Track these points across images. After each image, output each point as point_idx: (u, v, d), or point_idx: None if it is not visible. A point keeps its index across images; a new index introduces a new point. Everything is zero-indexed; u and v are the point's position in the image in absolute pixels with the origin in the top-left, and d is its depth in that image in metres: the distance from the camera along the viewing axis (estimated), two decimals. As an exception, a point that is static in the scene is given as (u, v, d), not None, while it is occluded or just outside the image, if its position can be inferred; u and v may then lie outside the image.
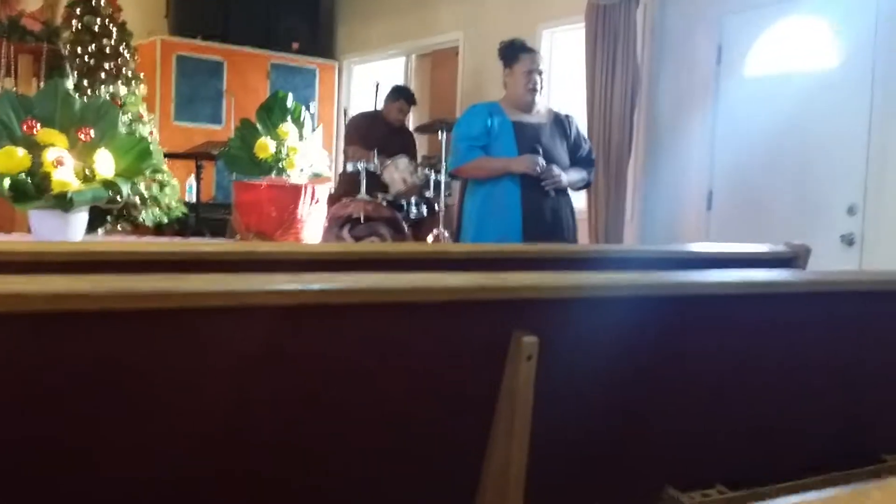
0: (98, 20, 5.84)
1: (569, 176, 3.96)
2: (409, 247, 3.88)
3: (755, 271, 1.96)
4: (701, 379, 1.66)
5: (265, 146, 4.53)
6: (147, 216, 5.71)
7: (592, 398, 1.53)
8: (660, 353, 1.60)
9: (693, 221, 5.31)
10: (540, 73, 3.97)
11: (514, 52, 4.01)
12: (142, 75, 6.17)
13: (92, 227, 5.43)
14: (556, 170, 3.86)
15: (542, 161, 3.82)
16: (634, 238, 5.53)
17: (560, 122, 4.09)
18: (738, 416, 1.73)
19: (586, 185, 4.22)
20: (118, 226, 5.61)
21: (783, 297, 1.77)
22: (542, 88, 4.00)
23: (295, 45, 8.21)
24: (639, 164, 5.56)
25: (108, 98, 5.46)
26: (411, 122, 6.79)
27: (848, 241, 4.43)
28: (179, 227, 6.17)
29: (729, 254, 2.80)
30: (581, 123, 4.48)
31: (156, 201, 5.82)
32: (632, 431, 1.62)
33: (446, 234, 5.55)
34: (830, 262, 4.26)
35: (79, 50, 5.77)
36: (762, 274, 1.91)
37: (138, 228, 5.87)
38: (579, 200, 4.91)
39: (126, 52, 5.97)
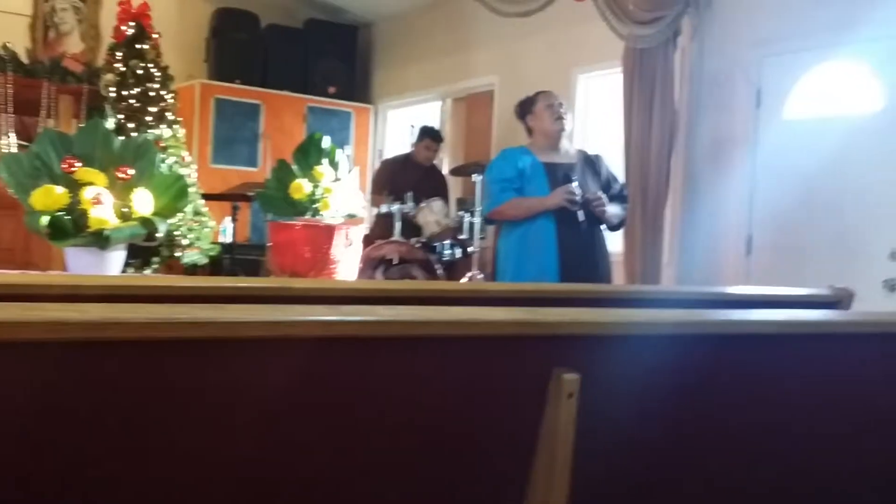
0: (142, 64, 5.96)
1: (610, 208, 3.93)
2: (446, 285, 3.86)
3: (801, 311, 1.91)
4: (742, 419, 1.61)
5: (300, 187, 4.57)
6: (189, 257, 5.79)
7: (633, 436, 1.48)
8: (701, 392, 1.55)
9: (732, 265, 5.23)
10: (561, 105, 3.99)
11: (530, 99, 4.06)
12: (180, 119, 6.27)
13: (129, 265, 5.50)
14: (599, 192, 3.85)
15: (575, 188, 3.79)
16: (672, 281, 5.46)
17: (590, 162, 4.08)
18: (779, 457, 1.67)
19: (621, 223, 4.19)
20: (152, 266, 5.66)
21: (828, 338, 1.72)
22: (566, 118, 4.00)
23: (332, 89, 8.31)
24: (676, 207, 5.51)
25: (150, 140, 5.55)
26: (446, 165, 6.81)
27: (890, 286, 4.33)
28: (213, 267, 6.20)
29: (770, 296, 2.74)
30: (617, 166, 4.45)
31: (197, 241, 5.89)
32: (672, 470, 1.56)
33: (480, 276, 5.52)
34: (873, 308, 4.14)
35: (123, 93, 5.88)
36: (808, 313, 1.86)
37: (171, 269, 5.91)
38: (615, 242, 4.86)
39: (168, 95, 6.07)
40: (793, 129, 4.95)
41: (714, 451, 1.58)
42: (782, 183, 4.95)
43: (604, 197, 3.86)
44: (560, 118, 3.96)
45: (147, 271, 5.62)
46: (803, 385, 1.68)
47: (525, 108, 4.06)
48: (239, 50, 7.95)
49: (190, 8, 8.04)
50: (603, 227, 4.01)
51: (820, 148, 4.74)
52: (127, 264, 5.37)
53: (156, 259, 5.64)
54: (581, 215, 3.79)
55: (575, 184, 3.80)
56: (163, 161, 5.67)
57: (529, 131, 4.06)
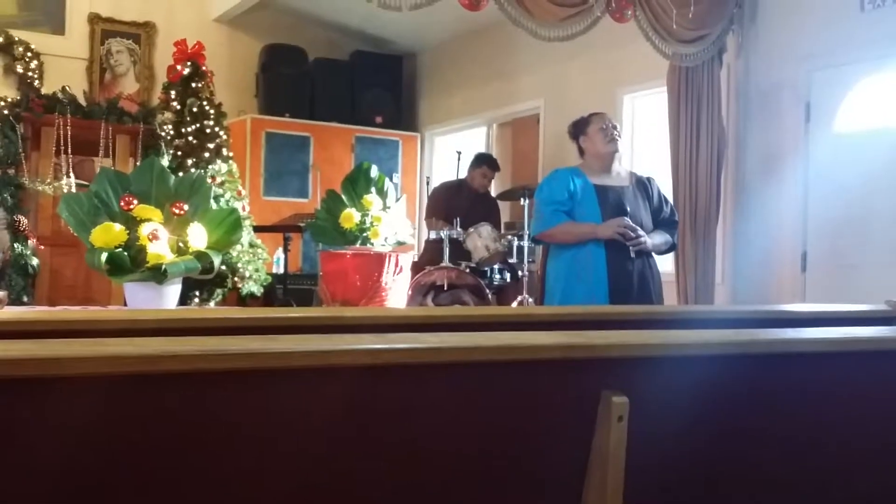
0: (198, 102, 6.13)
1: (652, 239, 3.88)
2: (493, 310, 3.86)
3: (854, 328, 1.88)
4: (795, 439, 1.59)
5: (350, 216, 4.61)
6: (247, 287, 5.93)
7: (683, 457, 1.47)
8: (752, 412, 1.53)
9: (787, 283, 5.15)
10: (615, 127, 3.96)
11: (584, 120, 4.03)
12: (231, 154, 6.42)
13: (192, 297, 5.63)
14: (640, 231, 3.80)
15: (629, 222, 3.76)
16: (726, 301, 5.39)
17: (642, 185, 4.04)
18: (834, 476, 1.64)
19: (671, 248, 4.14)
20: (215, 298, 5.80)
21: (885, 355, 1.69)
22: (620, 139, 3.98)
23: (378, 119, 8.41)
24: (728, 225, 5.45)
25: (208, 176, 5.71)
26: (493, 190, 6.84)
27: (953, 299, 4.22)
28: (267, 298, 6.31)
29: (826, 313, 2.69)
30: (666, 186, 4.42)
31: (256, 273, 6.04)
32: (723, 492, 1.54)
33: (530, 300, 5.52)
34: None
35: (182, 130, 6.06)
36: (861, 330, 1.82)
37: (226, 301, 6.03)
38: (667, 263, 4.82)
39: (222, 132, 6.22)
40: (843, 142, 4.88)
41: (766, 472, 1.56)
42: (835, 197, 4.87)
43: (646, 238, 3.81)
44: (613, 140, 3.92)
45: (212, 303, 5.75)
46: (860, 404, 1.65)
47: (578, 129, 4.03)
48: (287, 84, 8.10)
49: (239, 45, 8.23)
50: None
51: (872, 161, 4.66)
52: (190, 297, 5.52)
53: (219, 291, 5.79)
54: (633, 252, 3.78)
55: (626, 219, 3.77)
56: (221, 196, 5.82)
57: (581, 152, 4.03)
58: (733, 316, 2.73)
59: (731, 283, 5.46)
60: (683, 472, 1.48)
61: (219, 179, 6.06)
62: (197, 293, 5.71)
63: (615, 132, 3.94)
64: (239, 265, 5.98)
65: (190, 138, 6.07)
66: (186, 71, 6.21)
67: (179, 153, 6.05)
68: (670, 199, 4.34)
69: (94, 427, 1.13)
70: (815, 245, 5.02)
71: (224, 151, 6.25)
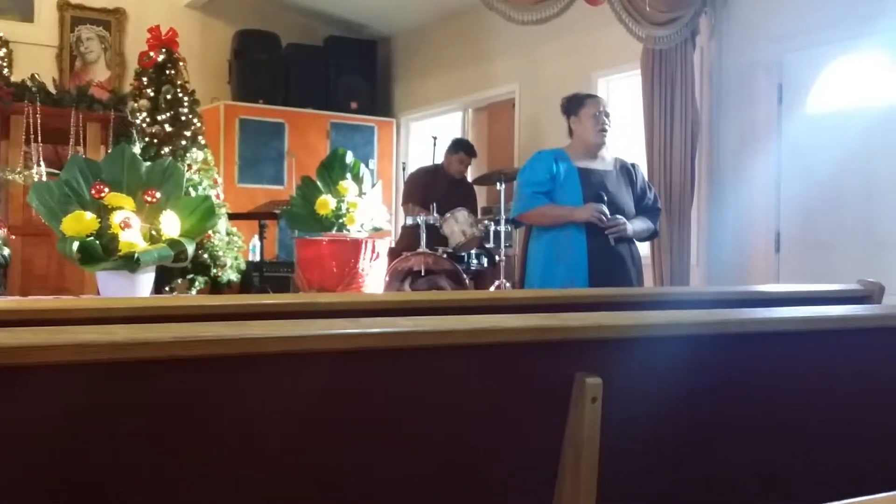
0: (172, 89, 6.06)
1: (633, 225, 3.89)
2: (469, 294, 3.86)
3: (824, 307, 1.90)
4: (768, 418, 1.60)
5: (326, 203, 4.60)
6: (226, 275, 5.90)
7: (657, 437, 1.48)
8: (726, 392, 1.54)
9: (762, 264, 5.19)
10: (607, 116, 3.94)
11: (579, 100, 3.99)
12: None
13: (158, 287, 5.59)
14: (620, 219, 3.80)
15: (605, 210, 3.77)
16: (701, 282, 5.43)
17: (626, 170, 4.03)
18: (805, 455, 1.66)
19: (652, 236, 4.14)
20: (196, 287, 5.77)
21: (856, 333, 1.70)
22: (609, 130, 3.96)
23: (353, 105, 8.37)
24: (702, 207, 5.48)
25: (185, 164, 5.67)
26: (469, 174, 6.83)
27: (924, 278, 4.27)
28: (243, 286, 6.27)
29: (798, 293, 2.71)
30: (641, 169, 4.42)
31: (236, 261, 6.01)
32: (698, 471, 1.56)
33: (507, 285, 5.53)
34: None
35: (158, 118, 5.99)
36: (831, 309, 1.84)
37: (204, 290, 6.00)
38: (643, 246, 4.84)
39: (196, 119, 6.17)
40: (816, 123, 4.91)
41: (740, 451, 1.58)
42: (808, 178, 4.91)
43: (626, 224, 3.81)
44: (603, 131, 3.90)
45: (193, 292, 5.72)
46: (831, 382, 1.67)
47: (570, 108, 3.99)
48: (261, 70, 8.04)
49: (211, 31, 8.15)
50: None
51: (845, 141, 4.70)
52: (171, 288, 5.49)
53: (201, 279, 5.75)
54: (612, 240, 3.78)
55: (604, 206, 3.77)
56: (198, 184, 5.77)
57: (571, 132, 4.02)
58: (708, 297, 2.75)
59: (706, 264, 5.50)
60: (658, 453, 1.49)
61: (195, 168, 6.01)
62: (178, 281, 5.67)
63: (606, 122, 3.91)
64: (220, 253, 5.95)
65: (166, 126, 6.02)
66: (161, 58, 6.14)
67: (155, 141, 5.99)
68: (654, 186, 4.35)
69: (65, 417, 1.11)
70: (788, 226, 5.06)
71: (200, 139, 6.20)
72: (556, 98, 4.15)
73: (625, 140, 6.10)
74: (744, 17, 5.33)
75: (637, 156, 5.18)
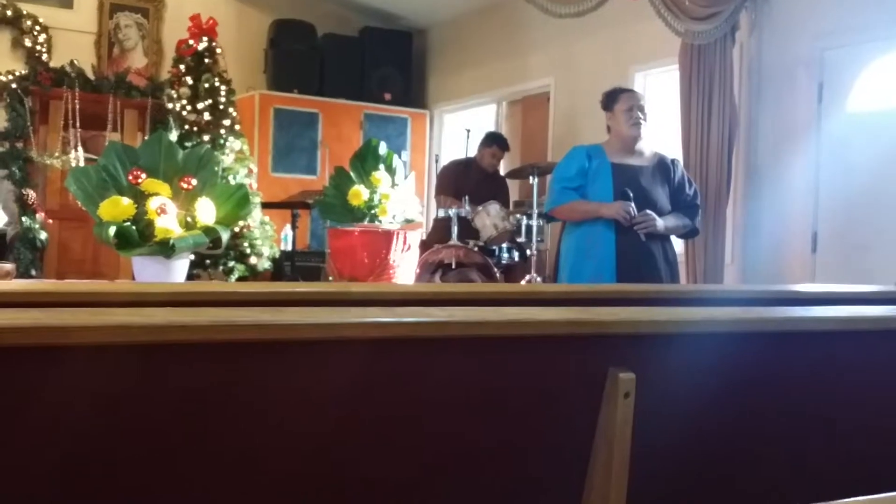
0: (211, 78, 6.12)
1: (666, 221, 3.85)
2: (501, 287, 3.86)
3: (862, 307, 1.87)
4: (801, 417, 1.58)
5: (358, 193, 4.61)
6: (262, 264, 5.98)
7: (689, 434, 1.47)
8: (760, 392, 1.53)
9: (797, 264, 5.12)
10: (641, 110, 3.91)
11: (614, 95, 3.96)
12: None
13: (192, 274, 5.65)
14: (650, 214, 3.76)
15: (632, 207, 3.73)
16: (735, 281, 5.37)
17: (664, 166, 3.99)
18: (839, 454, 1.64)
19: (690, 233, 4.10)
20: (234, 275, 5.84)
21: (891, 335, 1.68)
22: (644, 124, 3.92)
23: (387, 96, 8.38)
24: (738, 205, 5.42)
25: (223, 153, 5.73)
26: (502, 168, 6.81)
27: (964, 281, 4.19)
28: (274, 274, 6.32)
29: (834, 293, 2.68)
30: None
31: (271, 250, 6.08)
32: (731, 469, 1.54)
33: (538, 279, 5.51)
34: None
35: (198, 106, 6.05)
36: (868, 309, 1.81)
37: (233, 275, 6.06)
38: (677, 244, 4.80)
39: (232, 109, 6.22)
40: (856, 122, 4.84)
41: (773, 450, 1.56)
42: (847, 177, 4.84)
43: (656, 220, 3.76)
44: (637, 125, 3.86)
45: (231, 279, 5.78)
46: (867, 383, 1.64)
47: (607, 104, 3.97)
48: (296, 60, 8.07)
49: (247, 21, 8.19)
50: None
51: (885, 140, 4.62)
52: (209, 274, 5.56)
53: (241, 267, 5.83)
54: (643, 235, 3.75)
55: (630, 203, 3.73)
56: (235, 172, 5.83)
57: (608, 127, 4.00)
58: (742, 295, 2.72)
59: (741, 263, 5.44)
60: (690, 449, 1.48)
61: (232, 157, 6.06)
62: (217, 269, 5.74)
63: (640, 116, 3.87)
64: (258, 242, 6.02)
65: (205, 115, 6.07)
66: (201, 46, 6.19)
67: (195, 129, 6.05)
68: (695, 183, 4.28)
69: (100, 397, 1.13)
70: (825, 226, 4.99)
71: (237, 128, 6.26)
72: (591, 92, 4.13)
73: (662, 135, 6.06)
74: (785, 14, 5.26)
75: (673, 151, 5.14)
